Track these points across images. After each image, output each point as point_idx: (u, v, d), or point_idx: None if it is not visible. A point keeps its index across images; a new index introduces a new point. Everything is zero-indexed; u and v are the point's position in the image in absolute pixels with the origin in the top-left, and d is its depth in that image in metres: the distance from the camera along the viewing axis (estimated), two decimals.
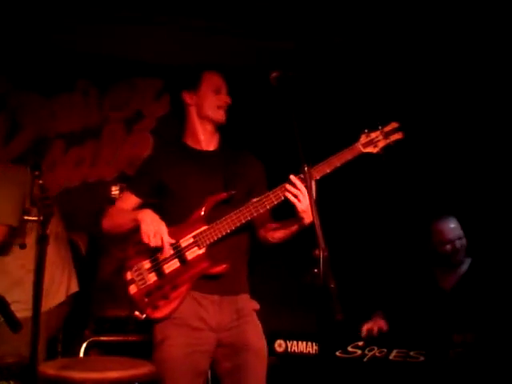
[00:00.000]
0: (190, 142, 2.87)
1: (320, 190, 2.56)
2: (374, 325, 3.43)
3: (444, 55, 4.32)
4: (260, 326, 2.78)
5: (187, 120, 2.88)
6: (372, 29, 4.19)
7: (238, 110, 2.91)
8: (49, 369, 2.46)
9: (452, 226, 3.66)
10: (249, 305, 2.78)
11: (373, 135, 2.66)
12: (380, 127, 2.67)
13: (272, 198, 2.62)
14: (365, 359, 3.16)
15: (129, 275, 2.72)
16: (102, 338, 3.75)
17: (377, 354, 3.16)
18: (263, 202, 2.63)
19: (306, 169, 2.36)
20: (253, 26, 4.19)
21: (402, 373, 3.12)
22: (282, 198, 2.60)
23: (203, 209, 2.69)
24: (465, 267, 3.66)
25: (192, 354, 2.62)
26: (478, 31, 4.08)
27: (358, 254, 4.47)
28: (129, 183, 2.96)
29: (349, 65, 4.49)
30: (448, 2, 3.85)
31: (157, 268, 2.69)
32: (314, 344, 3.18)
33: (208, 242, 2.66)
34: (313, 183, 2.49)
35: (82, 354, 3.64)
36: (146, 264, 2.71)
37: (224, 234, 2.65)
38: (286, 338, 3.20)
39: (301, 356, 3.19)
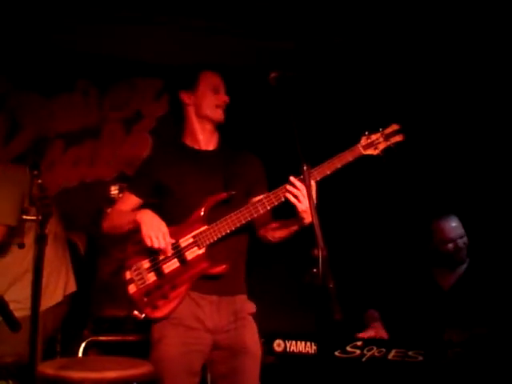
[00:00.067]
0: (188, 142, 2.87)
1: (320, 189, 2.56)
2: (375, 334, 3.42)
3: (444, 54, 4.31)
4: (256, 329, 2.79)
5: (186, 120, 2.87)
6: (372, 29, 4.18)
7: (238, 110, 2.91)
8: (47, 368, 2.46)
9: (454, 225, 3.65)
10: (246, 307, 2.79)
11: (373, 137, 2.66)
12: (380, 129, 2.67)
13: (272, 199, 2.62)
14: (363, 359, 3.16)
15: (128, 275, 2.73)
16: (101, 338, 3.75)
17: (375, 354, 3.16)
18: (263, 203, 2.63)
19: (304, 168, 2.36)
20: (253, 25, 4.19)
21: (401, 372, 3.12)
22: (283, 198, 2.60)
23: (203, 209, 2.69)
24: (464, 267, 3.65)
25: (188, 353, 2.63)
26: (478, 32, 4.07)
27: (357, 254, 4.47)
28: (129, 184, 2.96)
29: (349, 65, 4.49)
30: (448, 3, 3.84)
31: (156, 268, 2.69)
32: (312, 344, 3.18)
33: (208, 242, 2.66)
34: (312, 183, 2.49)
35: (80, 354, 3.64)
36: (146, 263, 2.71)
37: (224, 234, 2.65)
38: (285, 337, 3.19)
39: (300, 356, 3.18)
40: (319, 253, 2.12)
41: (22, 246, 2.62)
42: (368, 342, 3.19)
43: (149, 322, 2.70)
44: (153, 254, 2.69)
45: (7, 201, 3.06)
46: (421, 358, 3.13)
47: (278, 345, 3.20)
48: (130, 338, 3.71)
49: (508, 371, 3.03)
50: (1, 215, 3.06)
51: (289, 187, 2.56)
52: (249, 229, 2.78)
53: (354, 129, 2.70)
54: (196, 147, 2.86)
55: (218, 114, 2.83)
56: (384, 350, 3.16)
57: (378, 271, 4.24)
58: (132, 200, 2.85)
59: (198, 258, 2.67)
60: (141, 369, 2.52)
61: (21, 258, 3.10)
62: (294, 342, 3.20)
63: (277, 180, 2.66)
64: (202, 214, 2.68)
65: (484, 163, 4.41)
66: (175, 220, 2.70)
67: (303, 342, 3.19)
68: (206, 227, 2.67)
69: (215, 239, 2.66)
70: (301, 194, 2.52)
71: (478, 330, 3.28)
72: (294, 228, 2.68)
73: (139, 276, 2.70)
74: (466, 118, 4.45)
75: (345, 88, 4.57)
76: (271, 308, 3.66)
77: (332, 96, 4.58)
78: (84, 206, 4.35)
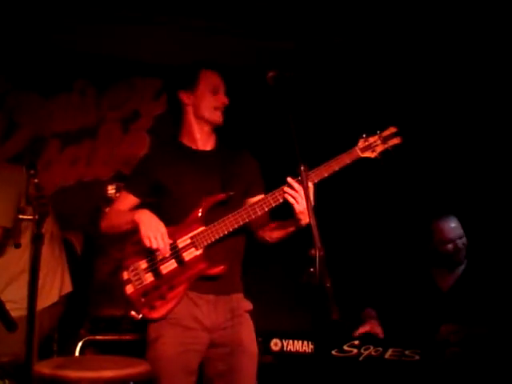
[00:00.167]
0: (186, 142, 2.86)
1: (319, 189, 2.56)
2: (370, 329, 3.42)
3: (443, 55, 4.31)
4: (253, 327, 2.79)
5: (184, 119, 2.86)
6: (372, 29, 4.18)
7: (238, 111, 2.91)
8: (44, 368, 2.46)
9: (453, 226, 3.65)
10: (242, 305, 2.78)
11: (371, 140, 2.65)
12: (378, 132, 2.67)
13: (270, 201, 2.62)
14: (360, 358, 3.16)
15: (125, 275, 2.72)
16: (98, 337, 3.74)
17: (372, 353, 3.16)
18: (261, 205, 2.63)
19: (302, 169, 2.35)
20: (253, 25, 4.19)
21: (398, 372, 3.13)
22: (281, 200, 2.60)
23: (200, 209, 2.68)
24: (462, 268, 3.65)
25: (185, 352, 2.63)
26: (478, 33, 4.07)
27: (357, 254, 4.46)
28: (126, 183, 2.96)
29: (349, 65, 4.49)
30: (448, 3, 3.84)
31: (154, 268, 2.69)
32: (309, 343, 3.19)
33: (205, 244, 2.66)
34: (310, 184, 2.49)
35: (77, 353, 3.63)
36: (143, 264, 2.71)
37: (221, 235, 2.65)
38: (282, 336, 3.20)
39: (297, 355, 3.19)
40: (316, 252, 2.12)
41: (18, 245, 2.60)
42: (365, 341, 3.19)
43: (145, 322, 2.70)
44: (150, 254, 2.68)
45: (2, 202, 3.03)
46: (417, 358, 3.14)
47: (275, 344, 3.21)
48: (127, 337, 3.71)
49: (504, 371, 3.03)
50: None
51: (286, 189, 2.55)
52: (246, 229, 2.78)
53: (352, 131, 2.69)
54: (193, 147, 2.85)
55: (216, 117, 2.81)
56: (381, 349, 3.16)
57: (377, 271, 4.24)
58: (129, 199, 2.85)
59: (196, 259, 2.67)
60: (137, 368, 2.53)
61: (17, 258, 3.08)
62: (291, 341, 3.20)
63: (274, 180, 2.66)
64: (200, 214, 2.68)
65: (483, 164, 4.40)
66: (173, 220, 2.70)
67: (300, 341, 3.20)
68: (203, 228, 2.67)
69: (213, 240, 2.65)
70: (298, 196, 2.51)
71: (474, 330, 3.29)
72: (292, 229, 2.68)
73: (137, 276, 2.70)
74: (464, 120, 4.45)
75: (344, 89, 4.57)
76: (268, 307, 3.66)
77: (331, 97, 4.58)
78: (81, 205, 4.34)
